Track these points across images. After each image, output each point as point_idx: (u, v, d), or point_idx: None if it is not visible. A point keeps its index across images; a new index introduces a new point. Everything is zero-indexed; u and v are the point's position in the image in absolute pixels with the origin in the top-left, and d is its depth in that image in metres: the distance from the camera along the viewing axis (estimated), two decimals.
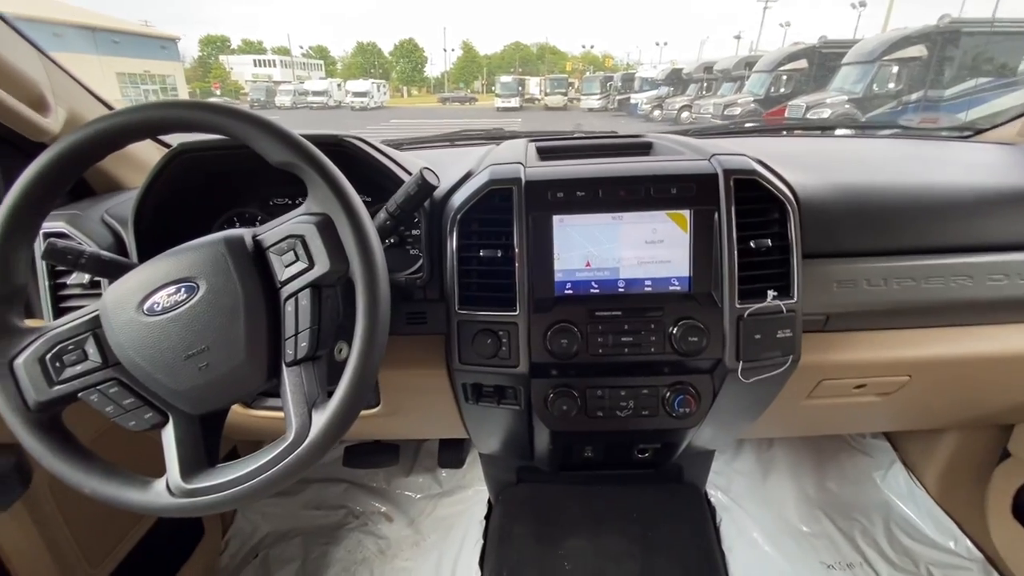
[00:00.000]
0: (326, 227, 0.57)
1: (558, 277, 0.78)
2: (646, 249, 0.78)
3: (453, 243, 0.78)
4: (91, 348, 0.57)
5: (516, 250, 0.76)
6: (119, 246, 0.85)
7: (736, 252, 0.75)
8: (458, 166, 0.98)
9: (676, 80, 21.34)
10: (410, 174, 0.86)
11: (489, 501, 1.29)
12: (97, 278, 0.84)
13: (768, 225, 0.78)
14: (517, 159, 0.84)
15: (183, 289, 0.56)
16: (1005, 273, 0.82)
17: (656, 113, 20.04)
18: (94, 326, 0.58)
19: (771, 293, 0.75)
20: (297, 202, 0.98)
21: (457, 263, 0.78)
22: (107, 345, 0.57)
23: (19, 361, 0.56)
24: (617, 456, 1.00)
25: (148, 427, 0.59)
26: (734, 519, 1.26)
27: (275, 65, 43.91)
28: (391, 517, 1.35)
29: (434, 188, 0.70)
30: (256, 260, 0.58)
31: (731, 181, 0.76)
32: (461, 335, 0.79)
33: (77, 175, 0.58)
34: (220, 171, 0.90)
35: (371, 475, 1.44)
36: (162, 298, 0.56)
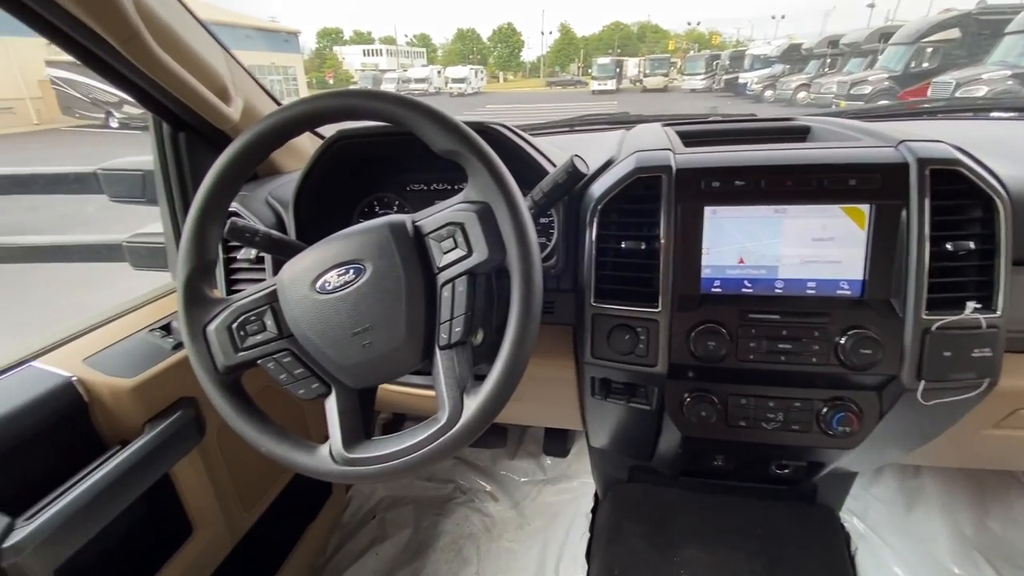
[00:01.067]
0: (486, 215, 0.57)
1: (705, 273, 0.73)
2: (812, 247, 0.70)
3: (593, 233, 0.75)
4: (269, 320, 0.62)
5: (662, 242, 0.72)
6: (279, 225, 0.92)
7: (928, 255, 0.65)
8: (592, 153, 0.95)
9: (794, 56, 19.43)
10: (551, 162, 0.84)
11: (596, 495, 1.27)
12: (262, 254, 0.92)
13: (968, 224, 0.66)
14: (663, 145, 0.79)
15: (351, 270, 0.59)
16: None
17: (768, 93, 18.39)
18: (272, 300, 0.62)
19: (971, 305, 0.64)
20: (433, 188, 1.00)
21: (596, 254, 0.75)
22: (282, 318, 0.62)
23: (210, 328, 0.62)
24: (750, 469, 0.93)
25: (314, 396, 0.63)
26: (872, 549, 1.13)
27: (381, 54, 46.31)
28: (496, 497, 1.38)
29: (584, 177, 0.68)
30: (416, 245, 0.60)
31: (927, 172, 0.65)
32: (595, 329, 0.76)
33: (262, 159, 0.63)
34: (366, 158, 0.94)
35: (477, 454, 1.48)
36: (332, 277, 0.59)
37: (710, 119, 1.16)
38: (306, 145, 1.12)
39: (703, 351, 0.71)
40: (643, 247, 0.73)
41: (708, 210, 0.72)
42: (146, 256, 1.06)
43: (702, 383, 0.77)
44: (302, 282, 0.60)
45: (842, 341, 0.68)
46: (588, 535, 1.18)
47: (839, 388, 0.73)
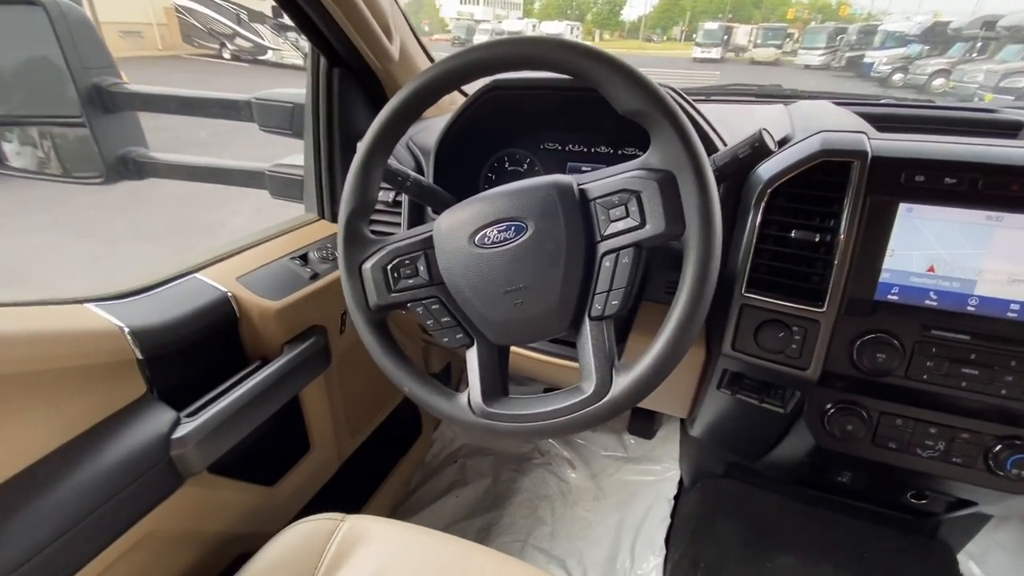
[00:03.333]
0: (667, 186, 0.53)
1: (884, 278, 0.65)
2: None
3: (756, 218, 0.69)
4: (421, 266, 0.63)
5: (842, 237, 0.64)
6: (418, 170, 0.92)
7: None
8: (751, 127, 0.86)
9: (936, 36, 17.01)
10: (717, 134, 0.78)
11: (680, 482, 1.25)
12: (399, 198, 0.93)
13: None
14: (853, 126, 0.70)
15: (512, 227, 0.58)
16: None
17: (897, 76, 16.31)
18: (426, 246, 0.63)
19: None
20: (568, 149, 0.97)
21: (756, 240, 0.69)
22: (435, 265, 0.62)
23: (366, 266, 0.64)
24: (879, 492, 0.87)
25: (457, 346, 0.63)
26: None
27: (478, 3, 45.44)
28: (574, 465, 1.39)
29: (770, 154, 0.62)
30: (582, 210, 0.57)
31: None
32: (741, 320, 0.71)
33: (434, 102, 0.62)
34: (508, 111, 0.91)
35: None
36: (492, 232, 0.58)
37: (884, 101, 1.03)
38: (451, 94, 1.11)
39: (870, 363, 0.64)
40: (816, 239, 0.66)
41: (903, 207, 0.63)
42: (283, 186, 1.11)
43: (850, 395, 0.71)
44: (460, 233, 0.60)
45: None
46: (668, 521, 1.17)
47: (1016, 425, 0.65)
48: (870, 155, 0.64)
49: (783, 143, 0.74)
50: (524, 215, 0.58)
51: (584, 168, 0.97)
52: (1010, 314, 0.62)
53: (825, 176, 0.66)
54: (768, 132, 0.61)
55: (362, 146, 0.63)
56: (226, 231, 3.84)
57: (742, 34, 26.79)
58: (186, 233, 3.86)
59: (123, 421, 0.65)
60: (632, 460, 1.37)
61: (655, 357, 0.54)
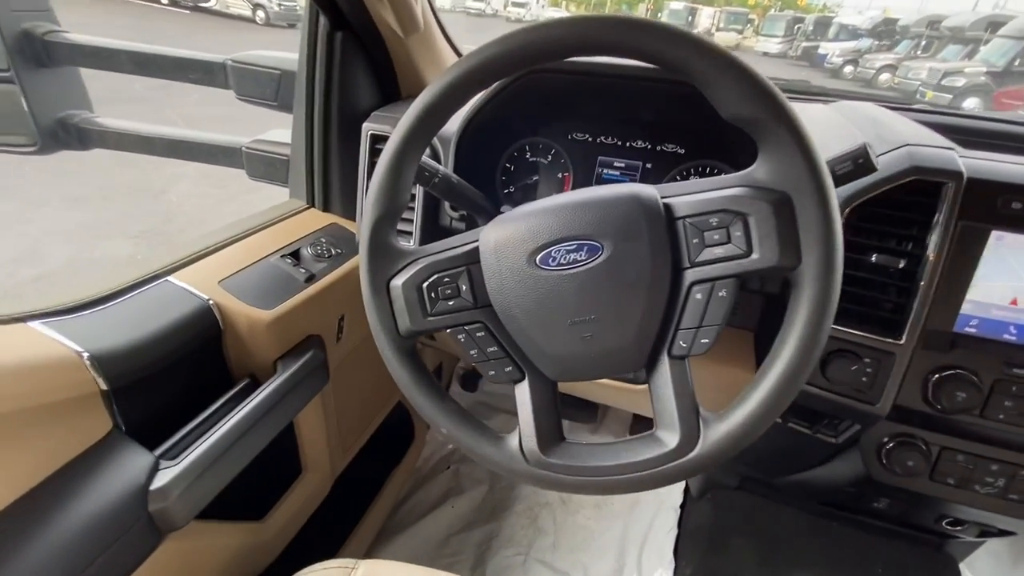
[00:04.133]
0: (784, 210, 0.45)
1: (965, 309, 0.61)
2: None
3: None
4: (464, 284, 0.52)
5: (930, 263, 0.59)
6: (434, 159, 0.80)
7: None
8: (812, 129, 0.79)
9: (886, 32, 17.74)
10: None
11: (686, 490, 1.22)
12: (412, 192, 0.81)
13: None
14: (934, 140, 0.64)
15: (585, 248, 0.48)
16: None
17: (848, 69, 16.92)
18: (470, 261, 0.52)
19: None
20: (599, 141, 0.87)
21: None
22: (480, 285, 0.52)
23: (396, 283, 0.53)
24: (914, 518, 0.85)
25: (505, 381, 0.54)
26: None
27: None
28: None
29: (873, 171, 0.55)
30: (668, 230, 0.48)
31: None
32: None
33: (484, 87, 0.50)
34: (537, 95, 0.80)
35: None
36: (559, 253, 0.49)
37: (917, 107, 0.99)
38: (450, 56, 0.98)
39: (949, 402, 0.60)
40: (901, 265, 0.60)
41: (994, 235, 0.58)
42: (265, 167, 0.96)
43: (912, 428, 0.67)
44: (517, 250, 0.49)
45: None
46: (675, 532, 1.14)
47: None
48: (965, 176, 0.58)
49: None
50: (600, 234, 0.48)
51: (617, 163, 0.88)
52: None
53: (910, 196, 0.60)
54: (870, 147, 0.54)
55: (397, 136, 0.51)
56: (171, 199, 3.50)
57: (706, 16, 26.93)
58: (120, 201, 3.48)
59: (86, 470, 0.52)
60: None
61: (756, 407, 0.47)
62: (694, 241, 0.48)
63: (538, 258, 0.49)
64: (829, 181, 0.45)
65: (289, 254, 0.81)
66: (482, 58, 0.48)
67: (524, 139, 0.90)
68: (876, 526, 0.98)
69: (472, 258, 0.53)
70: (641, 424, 1.40)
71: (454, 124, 0.77)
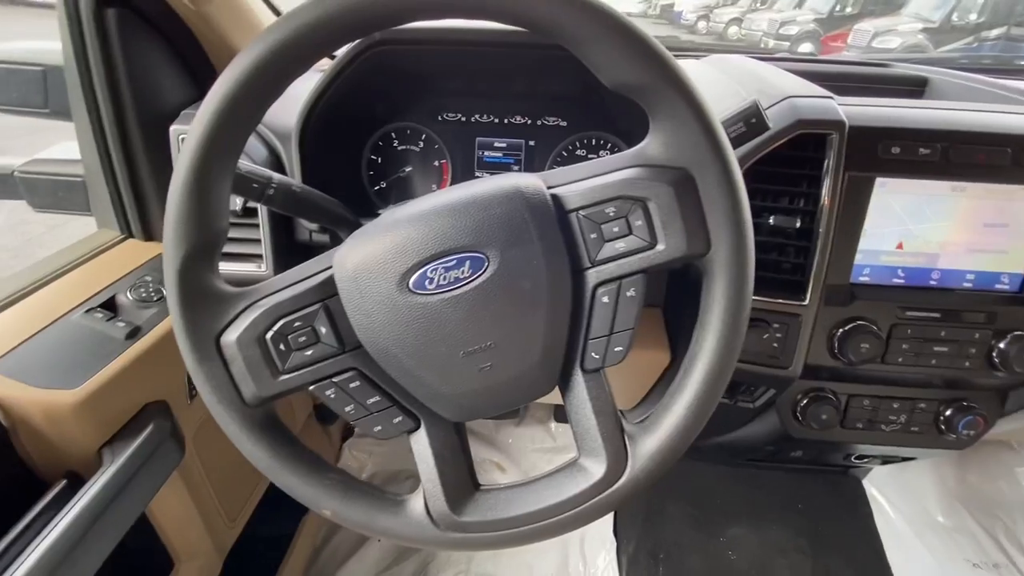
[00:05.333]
0: (685, 190, 0.39)
1: (857, 260, 0.60)
2: (981, 234, 0.60)
3: None
4: (323, 326, 0.41)
5: (823, 220, 0.57)
6: (276, 164, 0.65)
7: None
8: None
9: None
10: None
11: None
12: (253, 204, 0.65)
13: None
14: (816, 90, 0.62)
15: (468, 262, 0.39)
16: None
17: (701, 24, 18.21)
18: (326, 294, 0.41)
19: None
20: (474, 120, 0.77)
21: None
22: (343, 322, 0.41)
23: (228, 339, 0.40)
24: (825, 458, 0.89)
25: (397, 433, 0.44)
26: (880, 509, 1.18)
27: None
28: (503, 467, 1.27)
29: (767, 130, 0.50)
30: (560, 225, 0.40)
31: None
32: None
33: (297, 73, 0.38)
34: (394, 71, 0.68)
35: (480, 422, 1.35)
36: (437, 272, 0.39)
37: (791, 57, 1.00)
38: None
39: (854, 354, 0.59)
40: (797, 225, 0.58)
41: (879, 182, 0.58)
42: (52, 193, 0.74)
43: (821, 382, 0.67)
44: (383, 275, 0.39)
45: (1002, 345, 0.60)
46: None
47: (961, 388, 0.67)
48: (847, 125, 0.56)
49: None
50: (482, 242, 0.39)
51: (498, 144, 0.78)
52: (966, 284, 0.62)
53: (797, 151, 0.57)
54: (761, 104, 0.50)
55: (192, 144, 0.37)
56: None
57: None
58: None
59: None
60: (563, 449, 1.30)
61: (683, 416, 0.42)
62: (591, 236, 0.41)
63: (411, 281, 0.39)
64: (732, 153, 0.39)
65: (100, 305, 0.63)
66: (290, 29, 0.35)
67: (387, 125, 0.77)
68: (794, 468, 1.03)
69: (328, 291, 0.41)
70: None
71: (291, 115, 0.62)
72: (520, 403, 0.45)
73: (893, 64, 0.88)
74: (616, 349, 0.42)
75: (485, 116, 0.77)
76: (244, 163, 0.50)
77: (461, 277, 0.39)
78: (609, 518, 1.12)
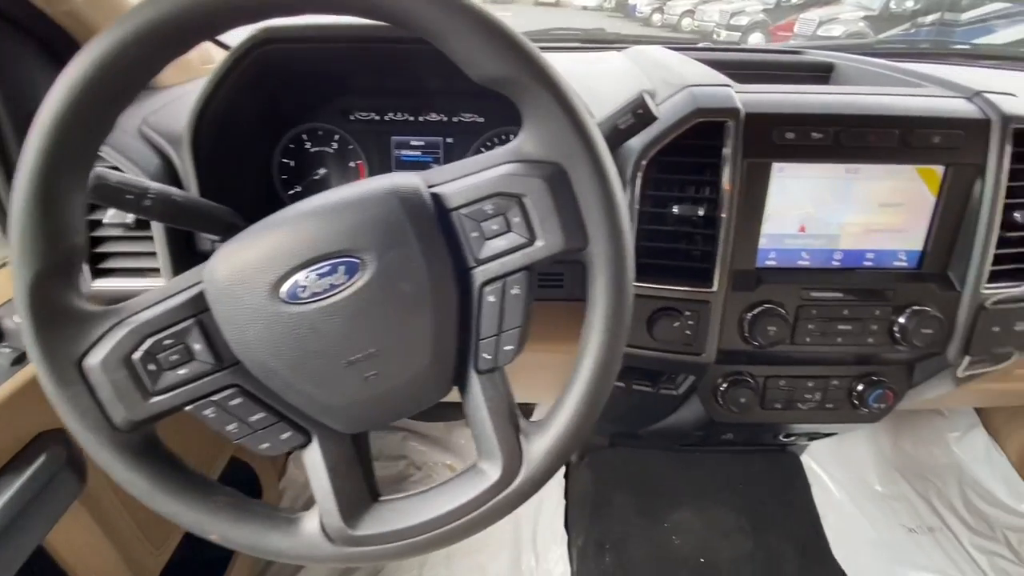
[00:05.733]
0: (558, 184, 0.39)
1: (762, 244, 0.61)
2: (878, 214, 0.62)
3: (635, 193, 0.59)
4: (197, 343, 0.39)
5: (724, 207, 0.58)
6: (168, 172, 0.62)
7: (998, 225, 0.59)
8: (595, 80, 0.75)
9: None
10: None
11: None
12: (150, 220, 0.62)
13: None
14: (716, 79, 0.63)
15: (343, 267, 0.38)
16: None
17: (656, 17, 18.44)
18: (197, 309, 0.39)
19: None
20: (388, 119, 0.75)
21: (636, 221, 0.60)
22: (220, 338, 0.39)
23: (92, 362, 0.38)
24: (757, 438, 0.91)
25: (286, 450, 0.43)
26: (820, 482, 1.22)
27: None
28: (456, 469, 1.26)
29: (654, 121, 0.50)
30: (442, 225, 0.40)
31: (1010, 131, 0.58)
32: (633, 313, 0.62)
33: (151, 73, 0.36)
34: (300, 69, 0.66)
35: (429, 424, 1.33)
36: (310, 279, 0.38)
37: (702, 46, 1.01)
38: (202, 47, 0.77)
39: (763, 337, 0.61)
40: (700, 213, 0.59)
41: (776, 167, 0.59)
42: None
43: (739, 366, 0.68)
44: (255, 284, 0.37)
45: (902, 320, 0.62)
46: (563, 503, 1.13)
47: (870, 364, 0.69)
48: (743, 112, 0.57)
49: None
50: (357, 246, 0.38)
51: (414, 143, 0.77)
52: (866, 263, 0.63)
53: (699, 139, 0.58)
54: (649, 94, 0.50)
55: (28, 157, 0.35)
56: None
57: None
58: None
59: None
60: None
61: (574, 411, 0.42)
62: (473, 235, 0.40)
63: (283, 291, 0.37)
64: (602, 146, 0.39)
65: None
66: (127, 29, 0.33)
67: (297, 127, 0.74)
68: (735, 449, 1.05)
69: (200, 305, 0.39)
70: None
71: (181, 118, 0.59)
72: (415, 409, 0.44)
73: (805, 51, 0.90)
74: (507, 348, 0.42)
75: (399, 114, 0.75)
76: (116, 173, 0.47)
77: (336, 283, 0.37)
78: (560, 510, 1.12)
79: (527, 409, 1.34)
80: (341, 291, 0.37)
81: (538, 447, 0.42)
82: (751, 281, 0.61)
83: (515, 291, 0.40)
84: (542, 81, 0.37)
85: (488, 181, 0.39)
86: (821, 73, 0.83)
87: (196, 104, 0.58)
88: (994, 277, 0.61)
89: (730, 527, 0.96)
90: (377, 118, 0.75)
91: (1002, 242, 0.60)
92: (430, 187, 0.40)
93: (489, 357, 0.42)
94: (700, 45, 1.00)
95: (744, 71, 0.82)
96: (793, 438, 0.88)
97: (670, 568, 0.91)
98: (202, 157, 0.61)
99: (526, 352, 0.77)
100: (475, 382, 0.43)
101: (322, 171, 0.76)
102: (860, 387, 0.69)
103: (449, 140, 0.76)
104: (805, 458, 1.24)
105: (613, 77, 0.72)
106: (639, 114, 0.49)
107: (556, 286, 0.72)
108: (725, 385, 0.68)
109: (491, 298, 0.40)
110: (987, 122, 0.58)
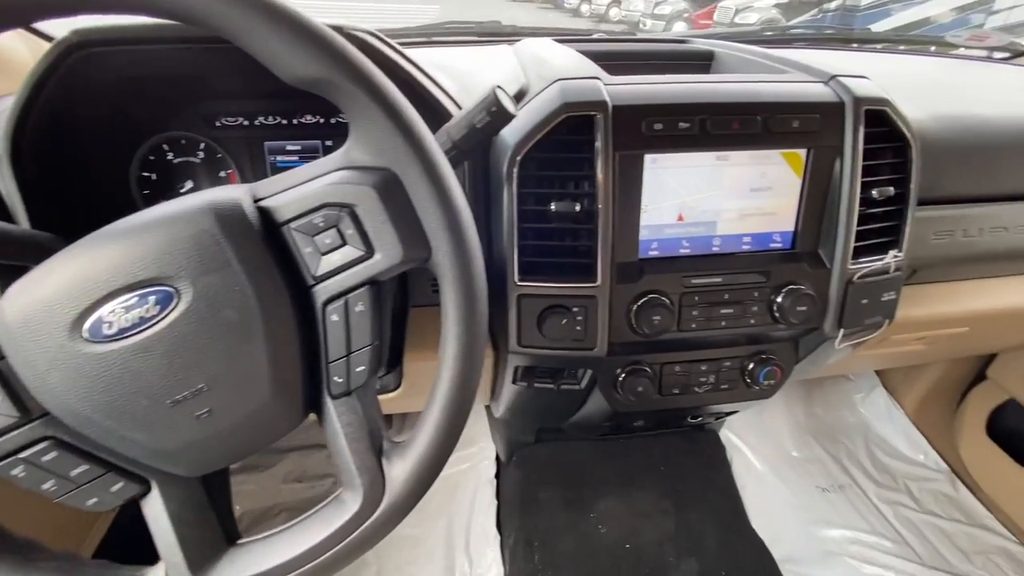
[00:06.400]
0: (390, 190, 0.37)
1: (643, 235, 0.62)
2: (750, 198, 0.63)
3: (513, 191, 0.58)
4: None
5: (600, 202, 0.57)
6: None
7: (857, 202, 0.62)
8: (479, 76, 0.74)
9: None
10: (447, 94, 0.62)
11: (497, 459, 1.20)
12: None
13: (883, 169, 0.65)
14: (587, 71, 0.62)
15: (153, 298, 0.34)
16: None
17: (584, 8, 18.70)
18: None
19: (893, 252, 0.64)
20: (258, 123, 0.70)
21: (518, 220, 0.58)
22: (22, 388, 0.35)
23: None
24: (667, 422, 0.93)
25: (120, 502, 0.39)
26: (741, 455, 1.27)
27: None
28: None
29: (511, 119, 0.49)
30: (270, 242, 0.37)
31: (862, 113, 0.60)
32: (523, 313, 0.61)
33: None
34: (141, 75, 0.60)
35: None
36: (116, 313, 0.34)
37: (596, 36, 1.02)
38: (19, 54, 0.69)
39: (649, 327, 0.61)
40: (578, 208, 0.58)
41: (648, 159, 0.59)
42: None
43: (635, 356, 0.69)
44: (51, 325, 0.33)
45: (779, 299, 0.64)
46: (495, 503, 1.12)
47: (760, 343, 0.71)
48: (610, 105, 0.57)
49: (520, 98, 0.63)
50: (166, 272, 0.34)
51: (290, 147, 0.72)
52: (744, 247, 0.65)
53: (572, 133, 0.57)
54: (503, 90, 0.48)
55: None
56: None
57: None
58: None
59: None
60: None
61: (436, 429, 0.40)
62: (307, 251, 0.37)
63: (85, 328, 0.33)
64: (433, 148, 0.37)
65: None
66: None
67: (153, 137, 0.68)
68: (656, 433, 1.07)
69: None
70: None
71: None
72: (268, 442, 0.41)
73: (690, 41, 0.92)
74: (359, 370, 0.39)
75: (271, 118, 0.70)
76: None
77: (147, 316, 0.34)
78: (492, 511, 1.11)
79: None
80: (154, 324, 0.34)
81: (400, 472, 0.40)
82: (634, 273, 0.61)
83: (359, 308, 0.38)
84: (358, 82, 0.34)
85: (316, 192, 0.36)
86: (702, 62, 0.85)
87: (10, 116, 0.51)
88: (859, 253, 0.64)
89: (653, 509, 0.98)
90: (247, 123, 0.70)
91: (863, 219, 0.63)
92: (258, 200, 0.37)
93: (341, 380, 0.39)
94: (592, 36, 1.00)
95: (629, 62, 0.83)
96: (700, 419, 0.91)
97: (596, 558, 0.91)
98: (29, 177, 0.54)
99: (427, 362, 0.74)
100: (330, 408, 0.40)
101: (189, 184, 0.70)
102: (751, 366, 0.71)
103: (329, 143, 0.72)
104: (725, 433, 1.29)
105: (491, 71, 0.70)
106: (493, 112, 0.47)
107: None
108: (623, 376, 0.68)
109: (334, 317, 0.38)
110: (841, 105, 0.61)
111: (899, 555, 1.12)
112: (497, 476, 1.17)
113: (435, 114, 0.58)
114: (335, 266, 0.37)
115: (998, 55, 1.15)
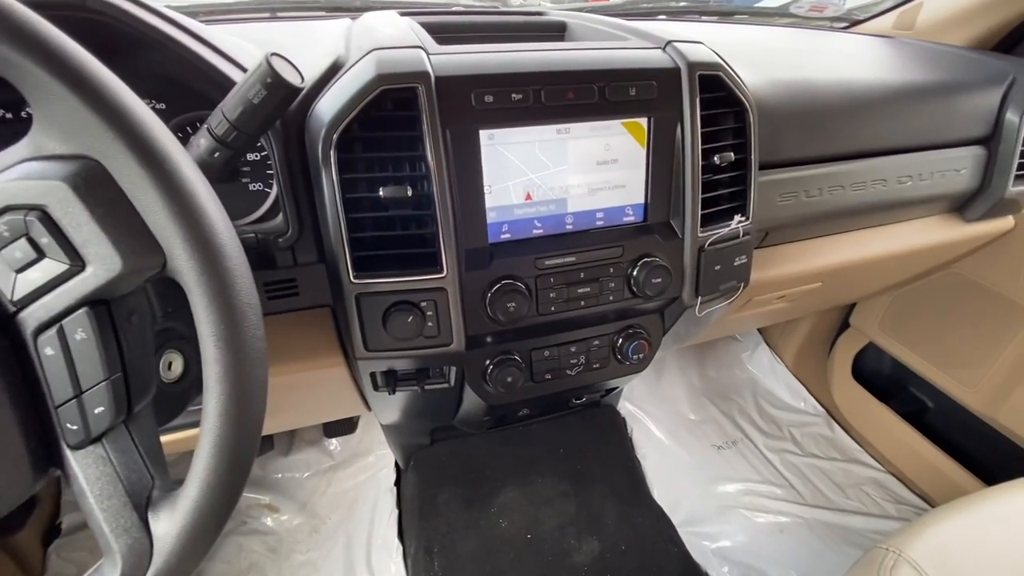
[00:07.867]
0: (93, 183, 0.29)
1: (491, 218, 0.58)
2: (598, 172, 0.61)
3: (333, 177, 0.51)
4: None
5: (435, 184, 0.52)
6: None
7: (700, 170, 0.62)
8: (306, 51, 0.66)
9: None
10: (240, 67, 0.53)
11: (396, 464, 1.14)
12: None
13: (724, 135, 0.65)
14: (409, 40, 0.56)
15: None
16: (910, 174, 0.83)
17: None
18: None
19: (738, 217, 0.65)
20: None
21: (343, 208, 0.52)
22: None
23: None
24: (553, 407, 0.91)
25: None
26: (641, 425, 1.31)
27: None
28: (276, 507, 1.12)
29: (297, 91, 0.42)
30: None
31: (696, 78, 0.60)
32: (364, 314, 0.55)
33: None
34: None
35: None
36: None
37: (454, 9, 0.96)
38: None
39: (504, 314, 0.57)
40: (410, 192, 0.52)
41: (484, 134, 0.54)
42: None
43: (501, 345, 0.65)
44: None
45: (635, 273, 0.63)
46: (396, 511, 1.06)
47: (627, 317, 0.70)
48: (433, 76, 0.51)
49: (335, 71, 0.56)
50: None
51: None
52: (598, 223, 0.63)
53: (395, 109, 0.51)
54: (281, 57, 0.41)
55: None
56: None
57: None
58: None
59: None
60: (342, 464, 1.19)
61: (209, 474, 0.33)
62: None
63: None
64: (152, 128, 0.30)
65: None
66: None
67: None
68: (552, 416, 1.06)
69: None
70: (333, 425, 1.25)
71: None
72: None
73: (547, 12, 0.88)
74: (96, 412, 0.31)
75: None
76: None
77: None
78: (394, 521, 1.05)
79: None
80: None
81: (169, 528, 0.33)
82: (484, 259, 0.57)
83: (80, 336, 0.30)
84: (26, 50, 0.26)
85: None
86: (555, 33, 0.82)
87: None
88: (707, 220, 0.64)
89: (554, 494, 0.96)
90: (26, 115, 0.57)
91: (709, 186, 0.63)
92: None
93: (76, 427, 0.31)
94: (449, 9, 0.95)
95: (479, 33, 0.78)
96: (585, 399, 0.90)
97: (498, 554, 0.89)
98: None
99: (283, 376, 0.66)
100: (71, 461, 0.32)
101: None
102: (620, 342, 0.70)
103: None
104: (624, 404, 1.32)
105: (309, 44, 0.63)
106: (269, 83, 0.40)
107: (290, 294, 0.62)
108: (491, 367, 0.65)
109: (48, 351, 0.30)
110: (677, 71, 0.60)
111: (786, 499, 1.20)
112: (397, 483, 1.11)
113: (209, 77, 0.50)
114: (36, 286, 0.29)
115: (838, 25, 1.23)
